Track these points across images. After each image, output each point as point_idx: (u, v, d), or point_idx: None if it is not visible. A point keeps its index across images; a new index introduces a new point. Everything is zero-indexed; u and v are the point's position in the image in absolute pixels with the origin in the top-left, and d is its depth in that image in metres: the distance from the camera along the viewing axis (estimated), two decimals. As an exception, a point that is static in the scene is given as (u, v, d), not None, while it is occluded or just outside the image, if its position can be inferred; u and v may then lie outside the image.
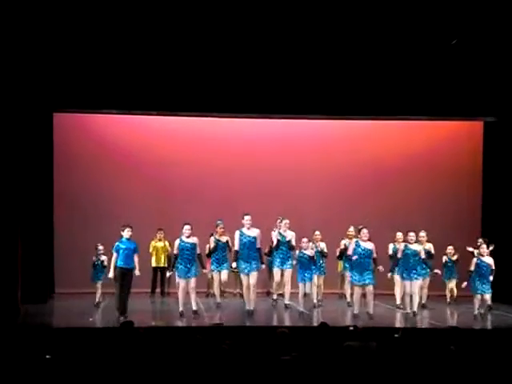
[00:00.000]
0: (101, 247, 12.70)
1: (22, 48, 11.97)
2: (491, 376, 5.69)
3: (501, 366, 5.85)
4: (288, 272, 12.36)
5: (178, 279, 11.76)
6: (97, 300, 12.66)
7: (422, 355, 6.00)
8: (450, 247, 13.54)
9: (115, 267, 11.44)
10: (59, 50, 12.38)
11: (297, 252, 12.00)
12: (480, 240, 12.38)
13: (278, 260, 12.32)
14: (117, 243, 11.61)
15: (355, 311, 11.61)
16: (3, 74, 11.80)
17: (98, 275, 12.69)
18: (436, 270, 12.60)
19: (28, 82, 12.45)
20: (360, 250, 11.58)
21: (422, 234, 12.65)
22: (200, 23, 12.17)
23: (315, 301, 12.21)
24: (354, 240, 11.94)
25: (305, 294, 12.19)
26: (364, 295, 11.70)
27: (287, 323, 11.20)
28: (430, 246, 12.87)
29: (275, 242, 12.27)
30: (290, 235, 12.34)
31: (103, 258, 12.65)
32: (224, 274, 12.92)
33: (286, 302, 12.46)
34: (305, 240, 12.02)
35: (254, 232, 11.67)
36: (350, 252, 11.79)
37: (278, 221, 12.52)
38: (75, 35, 12.14)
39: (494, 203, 14.87)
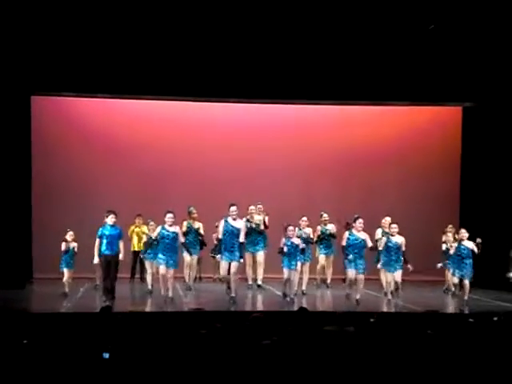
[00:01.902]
0: (70, 233, 12.21)
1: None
2: (468, 360, 5.75)
3: (477, 351, 5.91)
4: (259, 254, 13.03)
5: (157, 265, 11.87)
6: (66, 290, 12.06)
7: (400, 339, 6.05)
8: (449, 234, 13.19)
9: (99, 254, 11.31)
10: (37, 30, 12.19)
11: (283, 240, 11.90)
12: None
13: (247, 245, 12.67)
14: (100, 229, 11.45)
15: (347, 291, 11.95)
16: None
17: (66, 263, 12.15)
18: (409, 266, 12.34)
19: (4, 63, 12.25)
20: (353, 240, 11.66)
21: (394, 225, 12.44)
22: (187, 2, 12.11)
23: (296, 288, 12.21)
24: (347, 231, 11.91)
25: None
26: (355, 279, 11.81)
27: (267, 308, 11.21)
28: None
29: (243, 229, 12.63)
30: (258, 220, 12.91)
31: (74, 244, 12.16)
32: (194, 259, 13.11)
33: (259, 282, 12.99)
34: (291, 228, 11.88)
35: (240, 223, 11.59)
36: (343, 243, 11.84)
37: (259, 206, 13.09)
38: (55, 15, 11.98)
39: (471, 189, 14.99)
